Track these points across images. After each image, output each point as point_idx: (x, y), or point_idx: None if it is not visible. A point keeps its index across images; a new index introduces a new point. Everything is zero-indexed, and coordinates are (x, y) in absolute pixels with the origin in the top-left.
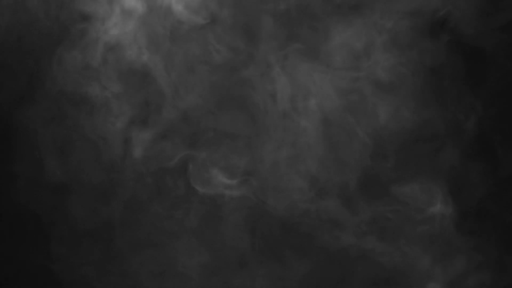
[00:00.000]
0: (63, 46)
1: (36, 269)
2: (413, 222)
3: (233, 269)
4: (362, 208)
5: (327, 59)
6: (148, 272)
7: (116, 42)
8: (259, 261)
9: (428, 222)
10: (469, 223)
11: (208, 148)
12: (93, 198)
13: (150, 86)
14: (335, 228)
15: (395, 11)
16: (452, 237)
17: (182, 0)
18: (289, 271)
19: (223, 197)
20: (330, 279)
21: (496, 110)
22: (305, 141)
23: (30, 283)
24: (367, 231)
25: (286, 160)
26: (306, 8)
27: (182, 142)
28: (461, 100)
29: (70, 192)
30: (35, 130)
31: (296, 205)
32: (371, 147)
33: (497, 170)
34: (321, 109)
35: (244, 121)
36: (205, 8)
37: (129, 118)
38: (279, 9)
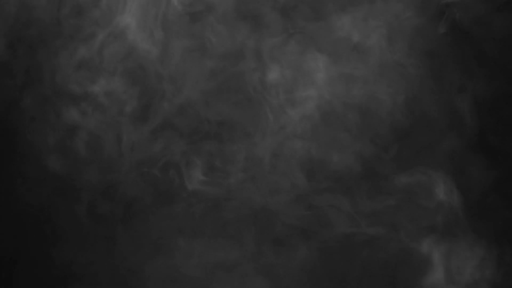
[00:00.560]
0: (59, 41)
1: (39, 269)
2: (416, 212)
3: (235, 267)
4: (363, 199)
5: (326, 47)
6: (151, 272)
7: (113, 35)
8: (261, 258)
9: (431, 212)
10: (473, 212)
11: (207, 145)
12: (93, 197)
13: (147, 81)
14: (337, 220)
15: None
16: (456, 226)
17: None
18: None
19: (222, 194)
20: (336, 271)
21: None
22: (304, 131)
23: (32, 282)
24: (368, 222)
25: (284, 153)
26: None
27: (179, 138)
28: (461, 87)
29: (69, 190)
30: (32, 127)
31: (296, 199)
32: (372, 137)
33: (498, 159)
34: (320, 99)
35: (241, 114)
36: None
37: (127, 113)
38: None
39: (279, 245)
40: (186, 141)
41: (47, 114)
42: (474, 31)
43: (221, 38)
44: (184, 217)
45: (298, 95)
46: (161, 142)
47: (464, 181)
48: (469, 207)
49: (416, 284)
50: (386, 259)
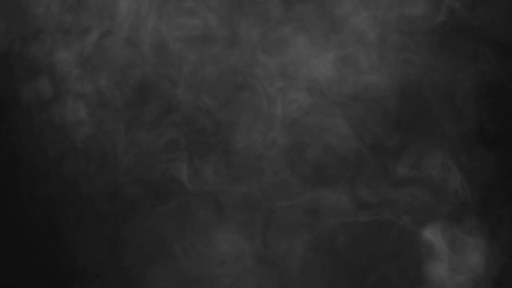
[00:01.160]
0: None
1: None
2: (420, 200)
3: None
4: (365, 187)
5: (322, 33)
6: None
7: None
8: (265, 250)
9: (437, 199)
10: (478, 198)
11: (207, 140)
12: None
13: (141, 77)
14: (339, 210)
15: None
16: (461, 213)
17: None
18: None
19: (223, 195)
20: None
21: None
22: (301, 120)
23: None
24: (370, 211)
25: (281, 143)
26: None
27: (179, 134)
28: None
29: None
30: (31, 125)
31: (299, 194)
32: (371, 125)
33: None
34: (316, 86)
35: (240, 108)
36: None
37: (124, 114)
38: None
39: (282, 236)
40: (185, 138)
41: (46, 112)
42: (473, 20)
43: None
44: (185, 215)
45: (294, 82)
46: (161, 138)
47: (468, 168)
48: (475, 194)
49: (421, 273)
50: (390, 248)
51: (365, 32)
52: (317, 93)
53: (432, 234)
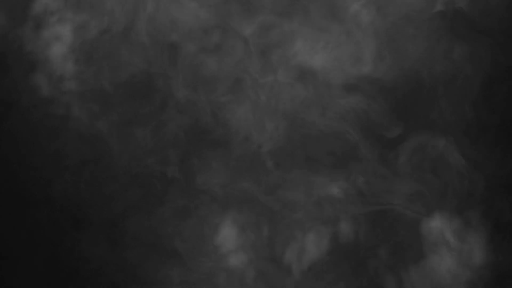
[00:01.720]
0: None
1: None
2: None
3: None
4: (369, 174)
5: (320, 19)
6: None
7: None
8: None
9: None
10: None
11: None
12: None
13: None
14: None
15: None
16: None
17: None
18: None
19: (223, 191)
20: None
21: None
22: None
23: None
24: (376, 200)
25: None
26: None
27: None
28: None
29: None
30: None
31: (300, 185)
32: (372, 111)
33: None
34: (311, 65)
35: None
36: None
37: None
38: None
39: (286, 231)
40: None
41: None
42: (470, 9)
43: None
44: (185, 212)
45: (291, 73)
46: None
47: (471, 157)
48: (482, 180)
49: (426, 258)
50: (398, 233)
51: (363, 22)
52: (316, 83)
53: (435, 224)
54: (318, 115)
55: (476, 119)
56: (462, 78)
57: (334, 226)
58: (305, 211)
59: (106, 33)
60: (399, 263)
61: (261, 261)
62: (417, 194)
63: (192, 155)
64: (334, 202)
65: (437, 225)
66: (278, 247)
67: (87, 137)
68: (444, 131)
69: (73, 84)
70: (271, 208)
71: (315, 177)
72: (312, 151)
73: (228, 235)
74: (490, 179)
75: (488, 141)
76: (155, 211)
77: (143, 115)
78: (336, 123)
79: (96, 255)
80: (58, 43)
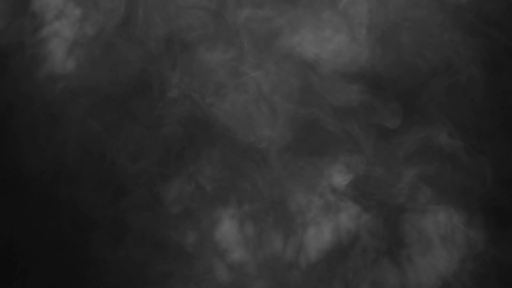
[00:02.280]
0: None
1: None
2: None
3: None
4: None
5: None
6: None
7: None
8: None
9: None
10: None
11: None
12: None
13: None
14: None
15: None
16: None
17: None
18: None
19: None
20: None
21: None
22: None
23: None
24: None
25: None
26: None
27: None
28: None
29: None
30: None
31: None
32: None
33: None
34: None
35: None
36: None
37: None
38: None
39: (290, 227)
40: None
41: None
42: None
43: None
44: (188, 212)
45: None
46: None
47: (479, 147)
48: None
49: (428, 253)
50: (399, 227)
51: (363, 12)
52: (315, 74)
53: (437, 218)
54: (317, 106)
55: (480, 111)
56: (467, 70)
57: (335, 220)
58: (305, 205)
59: (103, 29)
60: (401, 257)
61: (264, 255)
62: (418, 187)
63: (190, 152)
64: (335, 195)
65: (440, 219)
66: (280, 242)
67: (86, 136)
68: (447, 124)
69: (71, 81)
70: (273, 202)
71: (315, 170)
72: (311, 143)
73: (228, 231)
74: (494, 172)
75: (492, 134)
76: (155, 210)
77: (142, 113)
78: (336, 115)
79: (100, 254)
80: (57, 40)
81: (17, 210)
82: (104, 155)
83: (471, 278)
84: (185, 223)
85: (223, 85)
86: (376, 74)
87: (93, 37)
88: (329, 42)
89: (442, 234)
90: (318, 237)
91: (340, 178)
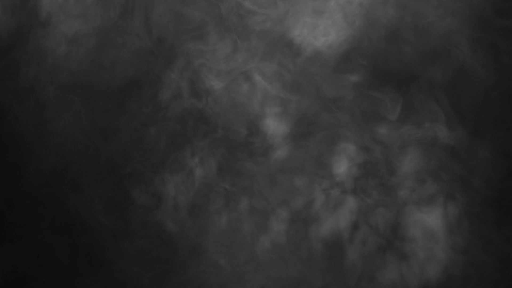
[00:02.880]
0: None
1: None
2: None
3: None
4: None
5: None
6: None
7: None
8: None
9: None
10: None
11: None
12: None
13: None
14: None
15: None
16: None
17: None
18: None
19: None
20: None
21: None
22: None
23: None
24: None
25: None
26: None
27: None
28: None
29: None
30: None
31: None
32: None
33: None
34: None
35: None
36: None
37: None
38: None
39: (294, 225)
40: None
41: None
42: None
43: None
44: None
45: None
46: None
47: (482, 143)
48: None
49: (430, 249)
50: (401, 223)
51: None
52: (313, 64)
53: (439, 214)
54: (314, 97)
55: (481, 102)
56: (467, 59)
57: (335, 216)
58: (306, 200)
59: (99, 27)
60: (401, 252)
61: (271, 246)
62: (418, 179)
63: (191, 149)
64: (334, 187)
65: (440, 211)
66: (282, 237)
67: (86, 136)
68: (447, 114)
69: (70, 81)
70: (276, 196)
71: (315, 162)
72: (309, 134)
73: (232, 226)
74: (495, 164)
75: (494, 125)
76: (157, 209)
77: (142, 113)
78: (334, 105)
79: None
80: (53, 37)
81: (19, 209)
82: (99, 153)
83: (472, 271)
84: (185, 220)
85: (218, 79)
86: (375, 64)
87: (89, 35)
88: (325, 32)
89: (442, 226)
90: (319, 230)
91: (339, 170)
